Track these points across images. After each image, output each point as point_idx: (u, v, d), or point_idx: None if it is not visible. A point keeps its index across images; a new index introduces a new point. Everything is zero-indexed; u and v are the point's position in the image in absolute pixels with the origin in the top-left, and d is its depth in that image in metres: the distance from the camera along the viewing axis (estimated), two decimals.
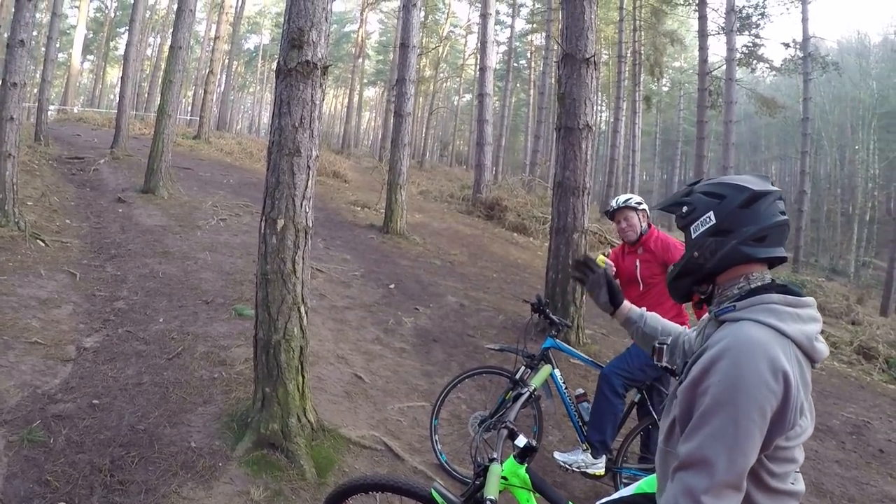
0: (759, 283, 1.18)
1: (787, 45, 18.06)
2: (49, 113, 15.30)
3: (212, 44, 21.40)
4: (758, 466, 1.05)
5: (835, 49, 29.18)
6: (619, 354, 3.19)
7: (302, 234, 3.03)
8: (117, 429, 2.92)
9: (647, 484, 1.67)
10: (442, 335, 5.25)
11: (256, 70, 45.64)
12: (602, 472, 2.96)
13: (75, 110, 24.18)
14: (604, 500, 1.69)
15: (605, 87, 27.49)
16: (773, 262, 1.22)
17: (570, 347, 3.31)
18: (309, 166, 3.02)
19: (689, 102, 33.46)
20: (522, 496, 1.72)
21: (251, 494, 2.60)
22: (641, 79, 23.17)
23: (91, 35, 33.67)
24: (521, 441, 1.70)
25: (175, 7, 11.79)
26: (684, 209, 1.28)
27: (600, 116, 31.50)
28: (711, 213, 1.21)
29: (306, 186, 3.01)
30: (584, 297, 5.35)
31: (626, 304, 1.65)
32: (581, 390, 3.21)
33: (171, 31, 13.69)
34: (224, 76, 30.54)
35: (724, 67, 16.80)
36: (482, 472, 1.65)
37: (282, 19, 3.23)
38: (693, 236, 1.25)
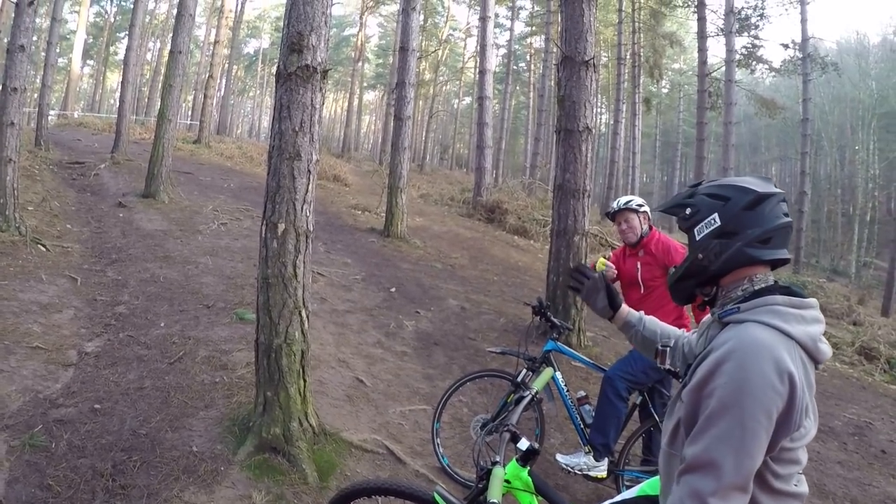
0: (763, 285, 1.18)
1: (786, 46, 18.10)
2: (49, 118, 15.30)
3: (212, 48, 21.43)
4: (762, 468, 1.04)
5: (834, 50, 29.20)
6: (621, 357, 3.18)
7: (303, 238, 3.03)
8: (119, 433, 2.92)
9: (649, 486, 1.67)
10: (443, 338, 5.24)
11: (256, 74, 45.69)
12: (604, 474, 2.95)
13: (76, 115, 24.16)
14: (606, 502, 1.69)
15: (605, 89, 27.52)
16: (776, 264, 1.21)
17: (571, 350, 3.30)
18: (309, 170, 3.02)
19: (689, 104, 33.51)
20: (525, 499, 1.71)
21: (253, 498, 2.59)
22: (641, 81, 23.18)
23: (91, 40, 33.80)
24: (524, 444, 1.70)
25: (175, 12, 11.83)
26: (688, 211, 1.27)
27: (600, 119, 31.54)
28: (716, 215, 1.21)
29: (307, 190, 3.02)
30: None
31: (625, 307, 1.64)
32: (582, 393, 3.20)
33: (170, 35, 13.70)
34: (224, 80, 30.54)
35: (723, 69, 16.86)
36: (485, 475, 1.65)
37: (281, 23, 3.24)
38: (697, 238, 1.24)
